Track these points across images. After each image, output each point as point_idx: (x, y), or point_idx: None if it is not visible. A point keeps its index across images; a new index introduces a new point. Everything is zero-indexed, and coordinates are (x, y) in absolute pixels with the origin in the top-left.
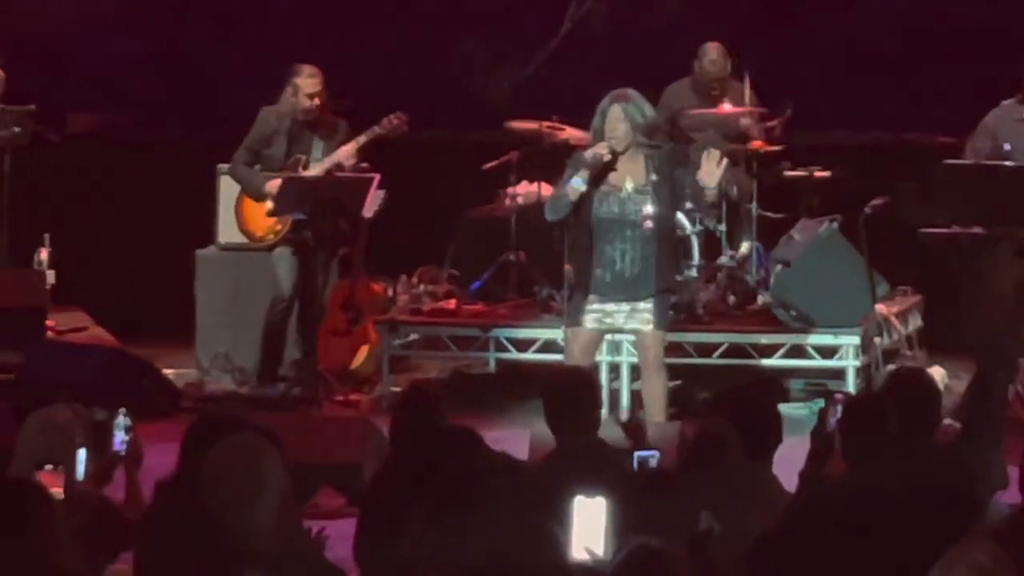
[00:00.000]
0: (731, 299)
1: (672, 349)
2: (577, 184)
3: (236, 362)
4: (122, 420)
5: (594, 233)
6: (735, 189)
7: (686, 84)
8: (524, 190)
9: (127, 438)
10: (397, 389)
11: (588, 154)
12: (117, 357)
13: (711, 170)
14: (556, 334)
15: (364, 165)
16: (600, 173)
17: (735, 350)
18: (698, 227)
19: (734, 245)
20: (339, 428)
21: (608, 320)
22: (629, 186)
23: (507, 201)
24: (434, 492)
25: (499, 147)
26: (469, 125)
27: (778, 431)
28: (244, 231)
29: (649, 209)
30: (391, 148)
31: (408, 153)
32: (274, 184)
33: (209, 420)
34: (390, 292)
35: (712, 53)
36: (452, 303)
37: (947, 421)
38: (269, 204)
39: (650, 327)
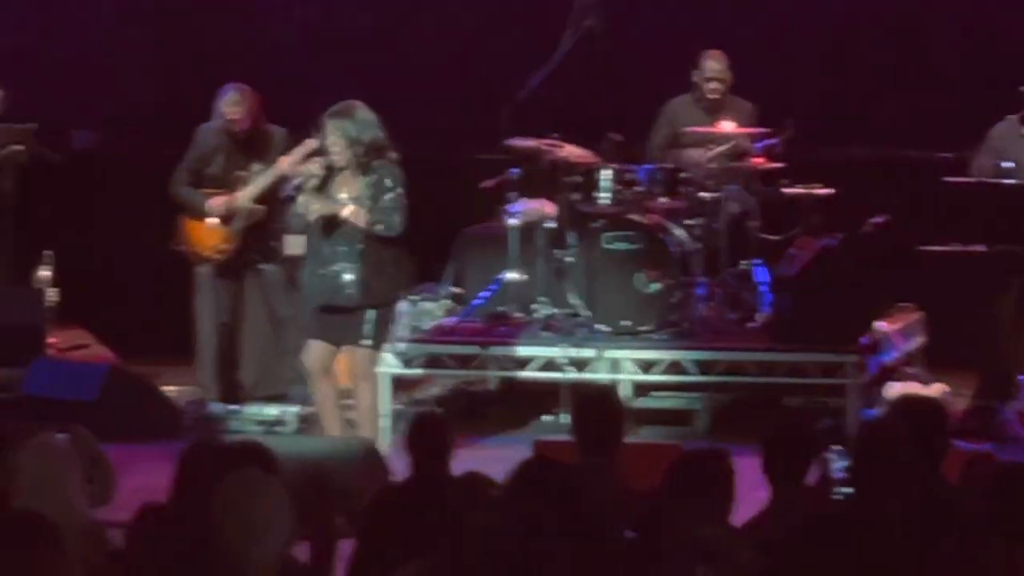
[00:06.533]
0: (731, 316)
1: (672, 366)
2: (301, 205)
3: (242, 374)
4: None
5: (315, 246)
6: (736, 206)
7: (687, 99)
8: (524, 208)
9: None
10: (399, 407)
11: (302, 171)
12: (117, 375)
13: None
14: (555, 352)
15: None
16: (320, 188)
17: (735, 368)
18: (698, 244)
19: (734, 262)
20: (343, 448)
21: (331, 331)
22: (345, 201)
23: (506, 219)
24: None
25: (499, 165)
26: (469, 143)
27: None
28: (190, 251)
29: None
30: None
31: (408, 171)
32: (216, 203)
33: (206, 448)
34: None
35: (711, 59)
36: (452, 321)
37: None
38: (213, 221)
39: (365, 344)
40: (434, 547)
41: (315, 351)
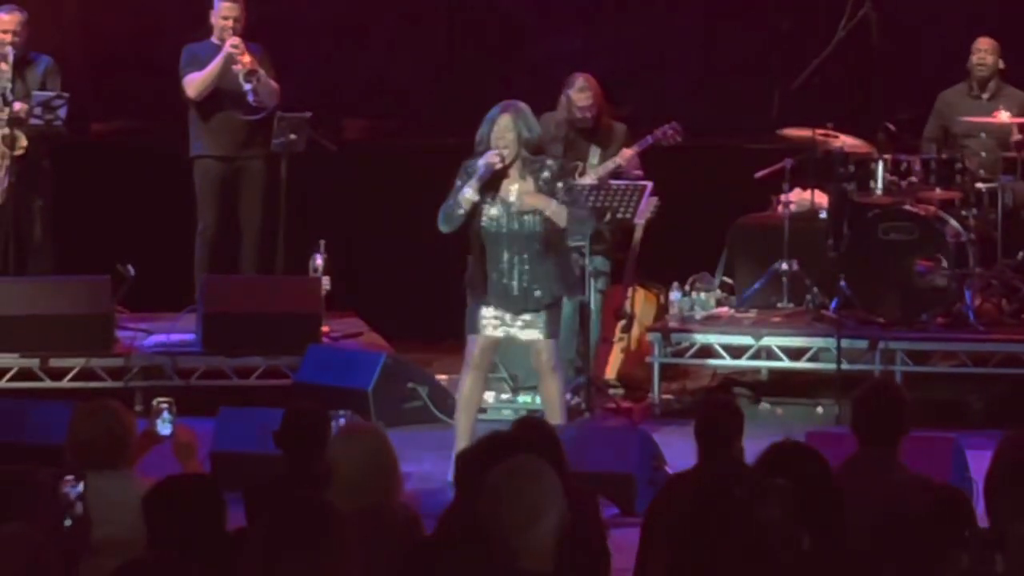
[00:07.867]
0: (1007, 307)
1: (945, 358)
2: (468, 194)
3: (509, 369)
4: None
5: (493, 246)
6: (1011, 196)
7: (959, 89)
8: (797, 198)
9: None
10: (669, 397)
11: (480, 163)
12: (392, 364)
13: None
14: (829, 343)
15: (637, 172)
16: (488, 183)
17: (1010, 359)
18: (973, 234)
19: (1010, 253)
20: (611, 437)
21: (503, 328)
22: (514, 198)
23: (780, 209)
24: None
25: (772, 154)
26: (742, 133)
27: None
28: None
29: (537, 222)
30: (665, 155)
31: (682, 160)
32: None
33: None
34: (662, 299)
35: (980, 41)
36: (724, 311)
37: None
38: None
39: (541, 336)
40: (717, 539)
41: (480, 345)
